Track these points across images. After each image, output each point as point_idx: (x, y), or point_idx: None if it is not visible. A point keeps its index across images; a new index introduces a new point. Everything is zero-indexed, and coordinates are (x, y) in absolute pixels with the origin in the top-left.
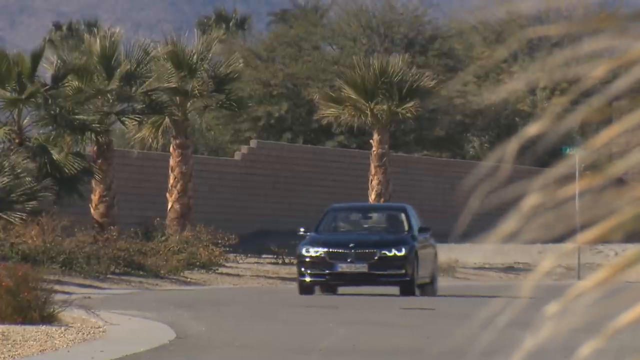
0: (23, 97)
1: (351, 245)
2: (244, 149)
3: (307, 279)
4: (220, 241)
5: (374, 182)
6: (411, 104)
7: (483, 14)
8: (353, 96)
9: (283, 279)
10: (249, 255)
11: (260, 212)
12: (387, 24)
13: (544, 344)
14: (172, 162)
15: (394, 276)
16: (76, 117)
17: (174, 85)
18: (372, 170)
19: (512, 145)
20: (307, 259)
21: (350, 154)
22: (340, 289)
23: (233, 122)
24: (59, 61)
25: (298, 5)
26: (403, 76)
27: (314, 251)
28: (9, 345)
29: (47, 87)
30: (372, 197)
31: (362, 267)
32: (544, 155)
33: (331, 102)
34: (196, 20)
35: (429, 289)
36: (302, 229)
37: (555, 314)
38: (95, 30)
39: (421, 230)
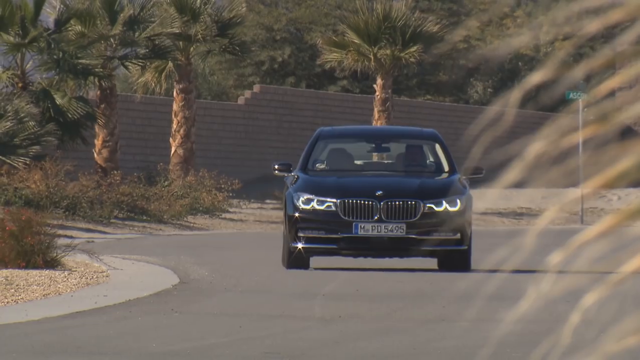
0: (26, 41)
1: (379, 192)
2: (247, 93)
3: (303, 245)
4: (223, 186)
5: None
6: (414, 48)
7: None
8: (356, 41)
9: None
10: (252, 200)
11: (264, 157)
12: None
13: (548, 291)
14: (175, 106)
15: (444, 243)
16: (79, 61)
17: (177, 30)
18: (376, 115)
19: (515, 95)
20: (306, 215)
21: (354, 99)
22: (323, 261)
23: (236, 67)
24: (61, 5)
25: None
26: (406, 21)
27: (319, 202)
28: (13, 290)
29: (50, 31)
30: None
31: (397, 229)
32: (547, 99)
33: (334, 47)
34: None
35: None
36: (276, 166)
37: (558, 263)
38: None
39: (475, 171)
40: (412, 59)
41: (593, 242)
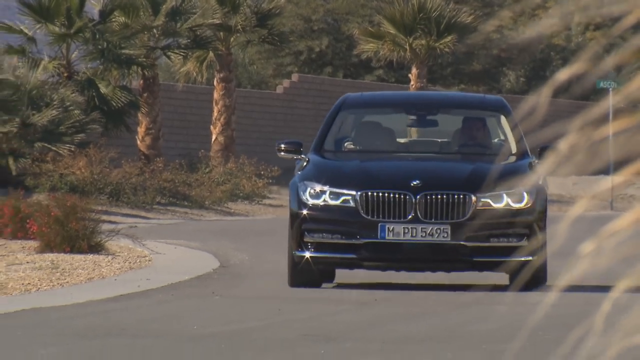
0: (71, 32)
1: (415, 182)
2: (286, 82)
3: (310, 254)
4: (263, 173)
5: None
6: (449, 38)
7: None
8: (392, 31)
9: None
10: None
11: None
12: None
13: (581, 275)
14: (216, 95)
15: (505, 252)
16: (123, 51)
17: (218, 21)
18: None
19: (545, 91)
20: (315, 212)
21: (389, 88)
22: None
23: (275, 57)
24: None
25: None
26: (441, 12)
27: (332, 195)
28: (58, 274)
29: (95, 22)
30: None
31: (439, 233)
32: (578, 89)
33: (370, 37)
34: None
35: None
36: (282, 146)
37: (590, 252)
38: None
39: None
40: (446, 49)
41: (624, 230)
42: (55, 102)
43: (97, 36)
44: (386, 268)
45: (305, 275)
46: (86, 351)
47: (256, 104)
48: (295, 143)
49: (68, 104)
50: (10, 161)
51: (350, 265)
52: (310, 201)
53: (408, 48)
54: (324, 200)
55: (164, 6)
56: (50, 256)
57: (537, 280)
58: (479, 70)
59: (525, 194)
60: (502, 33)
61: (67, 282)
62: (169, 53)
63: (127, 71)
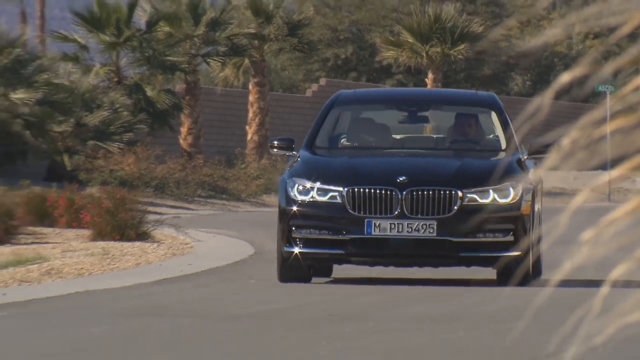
0: (121, 40)
1: (401, 178)
2: (315, 86)
3: (299, 250)
4: None
5: None
6: (462, 46)
7: None
8: (410, 40)
9: None
10: None
11: None
12: None
13: (581, 263)
14: (251, 98)
15: (491, 247)
16: (167, 58)
17: (253, 31)
18: None
19: (548, 94)
20: (303, 209)
21: None
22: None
23: (305, 63)
24: (152, 9)
25: None
26: (455, 22)
27: (320, 191)
28: (109, 260)
29: (142, 32)
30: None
31: (425, 229)
32: (579, 93)
33: (391, 46)
34: None
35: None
36: (275, 142)
37: (590, 240)
38: None
39: (538, 149)
40: (459, 56)
41: (621, 220)
42: (105, 104)
43: (144, 44)
44: (373, 264)
45: (295, 271)
46: (133, 329)
47: (287, 106)
48: (287, 140)
49: (117, 106)
50: (66, 158)
51: (337, 260)
52: (299, 197)
53: (425, 55)
54: (312, 197)
55: (204, 17)
56: (101, 244)
57: (522, 277)
58: (489, 75)
59: (511, 190)
60: (510, 41)
61: (117, 267)
62: (209, 60)
63: (171, 76)
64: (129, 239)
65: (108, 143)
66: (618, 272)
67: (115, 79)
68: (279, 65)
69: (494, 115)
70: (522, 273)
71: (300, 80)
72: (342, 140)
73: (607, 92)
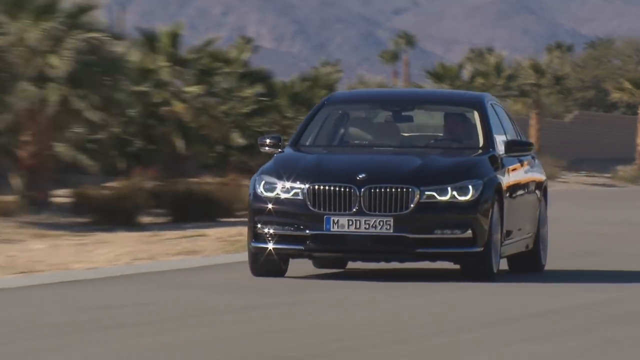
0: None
1: (361, 176)
2: (570, 116)
3: (266, 245)
4: None
5: None
6: None
7: None
8: (629, 87)
9: None
10: None
11: None
12: None
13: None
14: (531, 122)
15: (448, 244)
16: None
17: (533, 81)
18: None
19: None
20: (266, 206)
21: (626, 119)
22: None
23: (564, 100)
24: (473, 68)
25: (595, 39)
26: None
27: (283, 188)
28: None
29: (466, 82)
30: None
31: (381, 225)
32: None
33: (617, 90)
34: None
35: (528, 261)
36: (267, 141)
37: None
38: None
39: (513, 147)
40: None
41: None
42: None
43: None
44: (335, 260)
45: (265, 265)
46: None
47: (552, 129)
48: (275, 137)
49: None
50: None
51: (299, 256)
52: (265, 194)
53: (637, 95)
54: (277, 194)
55: (502, 73)
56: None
57: (483, 272)
58: None
59: (470, 187)
60: None
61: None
62: (506, 99)
63: None
64: None
65: None
66: None
67: None
68: (548, 102)
69: (476, 114)
70: (484, 270)
71: (561, 111)
72: (325, 139)
73: None
